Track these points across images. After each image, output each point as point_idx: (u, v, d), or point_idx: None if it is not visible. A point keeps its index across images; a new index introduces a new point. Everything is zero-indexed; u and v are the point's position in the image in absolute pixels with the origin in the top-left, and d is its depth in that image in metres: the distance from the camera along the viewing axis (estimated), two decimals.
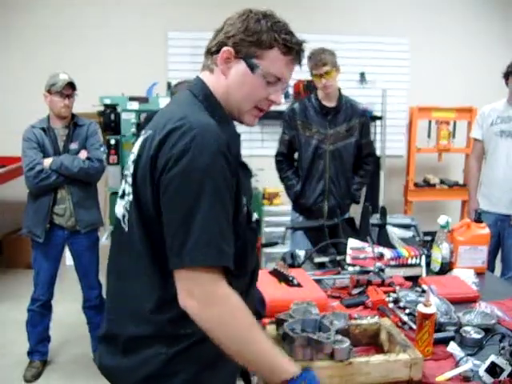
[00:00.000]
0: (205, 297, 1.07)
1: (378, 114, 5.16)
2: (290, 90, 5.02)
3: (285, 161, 3.34)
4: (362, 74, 5.22)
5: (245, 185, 1.21)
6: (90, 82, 3.96)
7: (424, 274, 2.20)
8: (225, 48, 1.19)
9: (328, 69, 3.05)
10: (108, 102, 4.09)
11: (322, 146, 3.17)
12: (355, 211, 4.36)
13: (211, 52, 1.24)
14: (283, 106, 3.48)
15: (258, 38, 1.18)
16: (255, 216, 1.26)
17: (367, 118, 3.34)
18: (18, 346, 3.30)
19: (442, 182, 5.16)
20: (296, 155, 3.37)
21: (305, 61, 3.69)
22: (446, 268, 2.26)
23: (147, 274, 1.17)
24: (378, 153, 5.13)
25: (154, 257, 1.15)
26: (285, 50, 1.20)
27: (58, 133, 3.02)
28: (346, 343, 1.35)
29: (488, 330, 1.69)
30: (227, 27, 1.21)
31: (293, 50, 1.21)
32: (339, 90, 3.23)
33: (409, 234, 2.78)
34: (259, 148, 4.85)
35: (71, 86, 2.97)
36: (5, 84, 4.87)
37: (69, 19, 4.84)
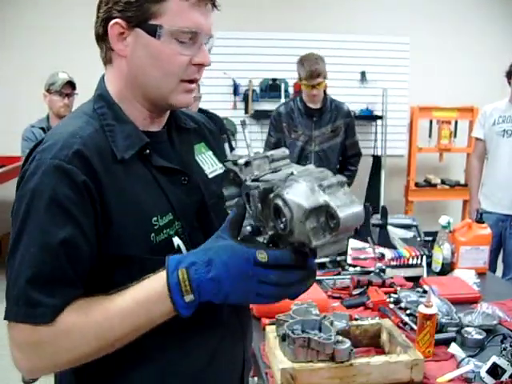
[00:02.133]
0: (30, 350, 0.87)
1: (379, 113, 5.16)
2: (291, 90, 5.03)
3: None
4: (363, 74, 5.21)
5: (148, 198, 0.92)
6: (90, 82, 3.95)
7: (425, 275, 2.19)
8: (111, 22, 0.90)
9: (321, 80, 3.09)
10: None
11: (308, 148, 3.24)
12: None
13: (100, 35, 0.94)
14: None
15: None
16: (177, 242, 0.94)
17: (352, 119, 3.38)
18: None
19: (443, 181, 5.15)
20: None
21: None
22: (447, 268, 2.26)
23: None
24: (378, 153, 5.15)
25: None
26: None
27: None
28: (347, 344, 1.34)
29: (489, 331, 1.68)
30: None
31: None
32: (324, 91, 3.28)
33: (410, 234, 2.78)
34: (259, 148, 4.82)
35: (71, 85, 2.97)
36: (4, 84, 4.86)
37: (69, 19, 4.83)
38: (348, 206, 0.76)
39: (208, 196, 1.03)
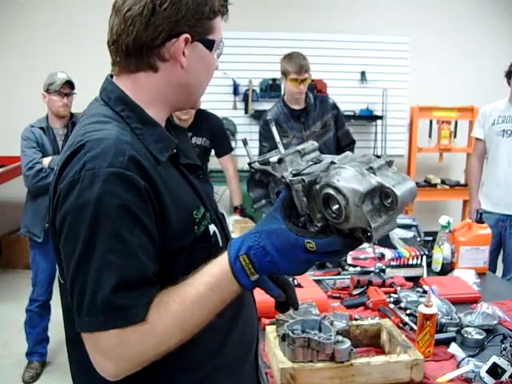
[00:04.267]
0: (119, 353, 0.86)
1: (379, 113, 5.16)
2: None
3: None
4: (363, 74, 5.21)
5: (186, 194, 0.99)
6: (90, 81, 3.95)
7: (425, 275, 2.18)
8: (183, 36, 0.94)
9: (307, 76, 3.10)
10: None
11: None
12: None
13: (153, 46, 0.95)
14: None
15: (209, 10, 0.96)
16: (213, 229, 1.03)
17: (339, 110, 3.34)
18: (16, 347, 3.29)
19: (443, 181, 5.15)
20: None
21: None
22: (448, 268, 2.25)
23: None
24: (378, 152, 5.15)
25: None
26: (224, 12, 1.01)
27: (56, 132, 3.01)
28: (347, 344, 1.34)
29: (489, 331, 1.68)
30: (164, 9, 0.93)
31: (227, 8, 1.02)
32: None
33: (410, 234, 2.77)
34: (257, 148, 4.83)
35: (70, 84, 2.96)
36: (4, 84, 4.86)
37: (68, 19, 4.83)
38: (401, 183, 0.78)
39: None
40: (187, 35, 0.94)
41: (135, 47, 0.95)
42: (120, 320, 0.84)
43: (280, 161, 0.89)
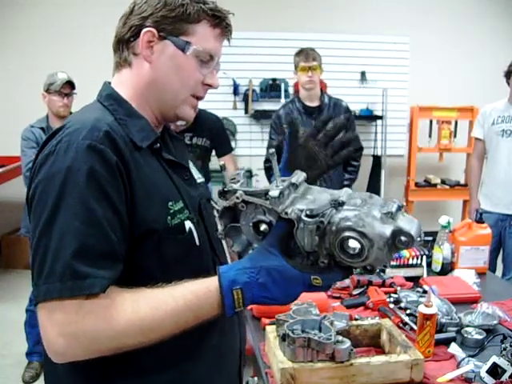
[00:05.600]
0: (72, 331, 0.83)
1: (379, 113, 5.16)
2: (290, 90, 5.02)
3: None
4: (363, 73, 5.20)
5: (169, 188, 1.01)
6: (90, 82, 3.95)
7: (425, 275, 2.18)
8: (144, 29, 0.99)
9: (316, 64, 3.15)
10: None
11: None
12: None
13: (124, 40, 1.03)
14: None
15: (183, 12, 0.99)
16: (188, 225, 1.02)
17: (351, 114, 3.39)
18: (16, 347, 3.29)
19: (443, 181, 5.14)
20: None
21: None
22: (448, 268, 2.25)
23: None
24: (378, 152, 5.15)
25: None
26: (214, 22, 1.03)
27: None
28: (347, 344, 1.34)
29: (489, 331, 1.68)
30: (140, 7, 1.01)
31: (222, 21, 1.04)
32: (321, 89, 3.31)
33: None
34: (259, 148, 4.83)
35: (70, 84, 2.96)
36: (4, 84, 4.86)
37: (68, 19, 4.83)
38: (411, 223, 0.87)
39: (200, 195, 1.12)
40: (150, 29, 0.99)
41: (116, 43, 1.04)
42: (76, 289, 0.82)
43: (280, 195, 0.91)
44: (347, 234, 0.85)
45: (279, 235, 0.89)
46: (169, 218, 0.97)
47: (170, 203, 0.98)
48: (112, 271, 0.87)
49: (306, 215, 0.87)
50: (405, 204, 0.91)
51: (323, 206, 0.88)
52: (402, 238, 0.84)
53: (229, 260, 1.19)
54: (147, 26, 0.99)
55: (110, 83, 1.08)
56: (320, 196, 0.93)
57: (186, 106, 1.06)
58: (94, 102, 1.05)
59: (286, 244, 0.90)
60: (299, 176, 0.98)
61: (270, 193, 0.91)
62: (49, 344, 0.84)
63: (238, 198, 0.94)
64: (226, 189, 0.97)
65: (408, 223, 0.86)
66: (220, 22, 1.04)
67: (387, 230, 0.84)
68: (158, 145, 1.03)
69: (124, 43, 1.03)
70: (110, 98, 1.03)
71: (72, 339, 0.83)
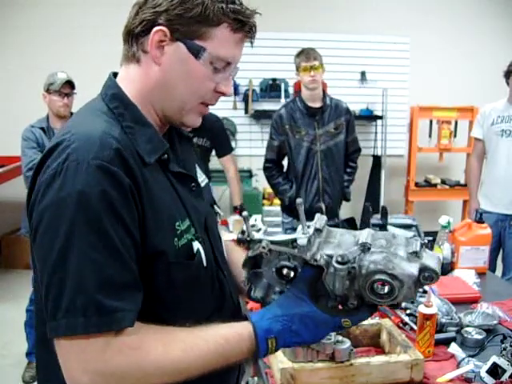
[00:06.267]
0: (98, 370, 0.79)
1: (379, 113, 5.16)
2: (290, 90, 5.03)
3: (274, 167, 3.39)
4: (363, 73, 5.21)
5: (176, 206, 0.94)
6: (90, 82, 3.95)
7: None
8: (156, 28, 0.89)
9: (317, 63, 3.14)
10: None
11: (313, 147, 3.23)
12: (355, 211, 4.37)
13: (134, 34, 0.93)
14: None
15: (200, 12, 0.88)
16: (196, 246, 0.96)
17: (352, 116, 3.39)
18: (16, 347, 3.29)
19: (443, 181, 5.14)
20: (285, 161, 3.42)
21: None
22: (448, 268, 2.25)
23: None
24: (378, 152, 5.15)
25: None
26: (236, 26, 0.92)
27: (57, 132, 3.01)
28: (347, 344, 1.34)
29: (489, 331, 1.68)
30: (153, 0, 0.90)
31: (246, 24, 0.93)
32: (323, 90, 3.30)
33: (410, 234, 2.77)
34: (259, 148, 4.83)
35: (70, 84, 2.96)
36: (4, 84, 4.86)
37: (68, 19, 4.83)
38: (434, 259, 0.93)
39: (206, 207, 1.07)
40: (162, 28, 0.89)
41: (125, 33, 0.95)
42: (104, 324, 0.78)
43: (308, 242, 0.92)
44: (378, 276, 0.88)
45: (307, 281, 0.91)
46: (175, 239, 0.92)
47: (177, 223, 0.92)
48: (136, 302, 0.83)
49: (337, 261, 0.89)
50: (426, 241, 0.96)
51: (351, 252, 0.90)
52: (427, 274, 0.90)
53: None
54: (160, 24, 0.89)
55: (115, 75, 1.00)
56: (343, 239, 0.96)
57: (194, 114, 0.98)
58: (98, 101, 0.97)
59: (314, 289, 0.92)
60: (321, 220, 1.00)
61: (299, 241, 0.92)
62: (72, 380, 0.81)
63: (264, 247, 0.93)
64: (249, 238, 0.95)
65: (431, 259, 0.92)
66: (243, 26, 0.94)
67: (415, 270, 0.89)
68: (166, 156, 0.95)
69: (134, 37, 0.93)
70: (115, 100, 0.95)
71: (98, 377, 0.79)
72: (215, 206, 1.14)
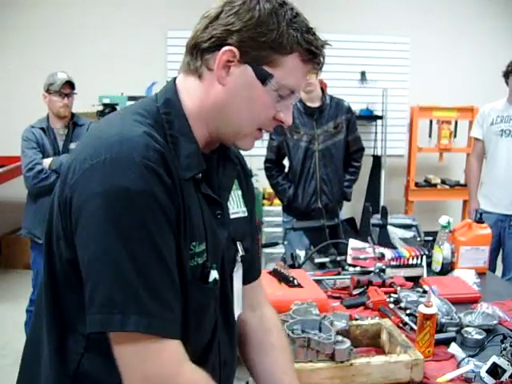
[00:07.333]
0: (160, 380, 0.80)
1: (379, 113, 5.16)
2: None
3: (274, 167, 3.40)
4: (363, 73, 5.21)
5: (198, 227, 0.90)
6: (90, 82, 3.95)
7: (425, 275, 2.18)
8: (226, 48, 0.86)
9: None
10: (107, 101, 4.08)
11: (311, 147, 3.23)
12: (355, 211, 4.37)
13: (200, 48, 0.89)
14: None
15: (274, 38, 0.85)
16: (213, 275, 0.93)
17: (353, 115, 3.38)
18: (16, 347, 3.28)
19: (443, 181, 5.15)
20: (286, 160, 3.42)
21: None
22: (447, 268, 2.25)
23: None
24: (378, 152, 5.15)
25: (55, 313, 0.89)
26: (307, 58, 0.89)
27: (57, 132, 3.01)
28: (347, 344, 1.34)
29: (489, 331, 1.68)
30: (227, 16, 0.86)
31: (317, 56, 0.91)
32: (322, 89, 3.29)
33: (410, 234, 2.77)
34: (259, 148, 4.81)
35: (70, 84, 2.97)
36: (4, 84, 4.86)
37: (68, 19, 4.84)
38: None
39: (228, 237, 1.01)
40: (232, 48, 0.86)
41: (191, 45, 0.91)
42: (158, 328, 0.78)
43: None
44: None
45: None
46: (189, 259, 0.89)
47: (194, 243, 0.89)
48: (178, 313, 0.83)
49: None
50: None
51: None
52: None
53: (235, 298, 1.08)
54: (230, 44, 0.86)
55: (174, 82, 0.96)
56: None
57: (249, 139, 0.96)
58: (148, 101, 0.94)
59: None
60: None
61: None
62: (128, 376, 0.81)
63: None
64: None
65: None
66: (314, 58, 0.90)
67: None
68: (200, 176, 0.92)
69: (199, 51, 0.90)
70: (169, 106, 0.91)
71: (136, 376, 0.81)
72: (238, 243, 1.05)
